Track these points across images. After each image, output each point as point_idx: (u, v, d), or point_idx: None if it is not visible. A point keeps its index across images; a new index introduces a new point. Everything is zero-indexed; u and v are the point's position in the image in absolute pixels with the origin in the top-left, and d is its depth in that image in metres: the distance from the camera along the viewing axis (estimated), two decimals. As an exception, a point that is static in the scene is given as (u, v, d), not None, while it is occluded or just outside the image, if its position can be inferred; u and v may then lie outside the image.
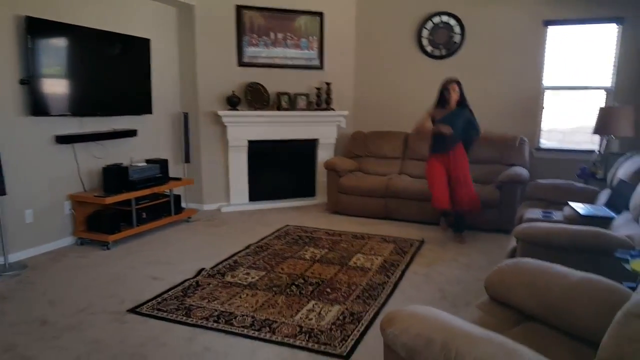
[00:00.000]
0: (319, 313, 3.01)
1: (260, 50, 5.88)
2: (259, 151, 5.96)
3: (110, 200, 4.23)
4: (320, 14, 6.07)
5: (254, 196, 6.01)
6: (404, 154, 5.98)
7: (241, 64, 5.79)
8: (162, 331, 2.81)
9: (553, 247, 2.55)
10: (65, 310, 3.07)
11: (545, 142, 5.75)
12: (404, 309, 1.60)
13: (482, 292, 3.18)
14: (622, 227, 2.80)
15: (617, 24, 5.20)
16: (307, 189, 6.28)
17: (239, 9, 5.69)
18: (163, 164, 4.95)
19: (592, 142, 5.46)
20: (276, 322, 2.89)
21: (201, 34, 5.54)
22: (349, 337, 2.71)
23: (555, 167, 5.44)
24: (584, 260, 2.14)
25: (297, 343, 2.64)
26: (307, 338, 2.69)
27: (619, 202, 3.23)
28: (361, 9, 6.29)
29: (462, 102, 4.45)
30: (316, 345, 2.61)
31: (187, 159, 5.61)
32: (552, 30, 5.51)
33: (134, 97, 4.91)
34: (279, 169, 6.19)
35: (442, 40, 6.02)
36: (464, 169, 4.50)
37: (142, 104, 4.98)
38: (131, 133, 4.85)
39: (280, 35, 5.95)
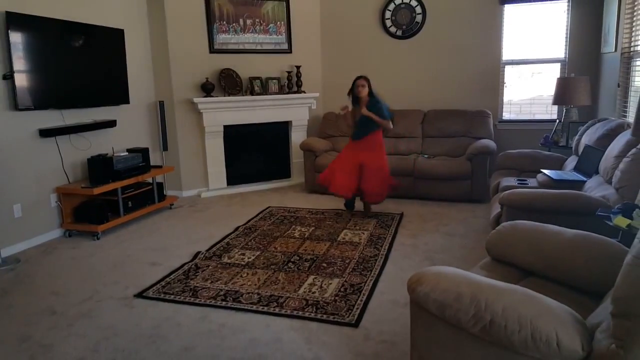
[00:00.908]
0: (321, 286, 3.21)
1: (231, 36, 5.92)
2: (234, 136, 6.04)
3: (98, 190, 4.25)
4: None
5: (231, 180, 6.11)
6: (376, 132, 6.19)
7: (213, 50, 5.82)
8: (174, 312, 2.93)
9: (536, 211, 2.82)
10: (72, 300, 3.14)
11: (507, 114, 6.11)
12: (428, 269, 1.79)
13: (469, 258, 3.52)
14: (595, 189, 3.11)
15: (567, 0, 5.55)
16: (282, 171, 6.43)
17: (208, -4, 5.70)
18: (145, 152, 4.96)
19: (549, 112, 5.86)
20: (282, 297, 3.07)
21: (172, 23, 5.53)
22: (353, 306, 2.92)
23: (517, 138, 5.80)
24: (565, 221, 2.31)
25: (307, 315, 2.83)
26: (314, 310, 2.88)
27: (587, 167, 3.55)
28: (325, -8, 6.41)
29: (371, 93, 4.64)
30: (325, 316, 2.81)
31: (164, 147, 5.63)
32: (508, 8, 5.82)
33: (111, 88, 4.89)
34: (255, 152, 6.29)
35: (404, 21, 6.23)
36: (380, 158, 4.73)
37: (119, 94, 4.97)
38: (111, 123, 4.84)
39: (249, 22, 6.00)
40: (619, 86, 4.50)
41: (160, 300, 3.11)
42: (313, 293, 3.11)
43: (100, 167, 4.42)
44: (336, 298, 3.03)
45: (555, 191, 2.97)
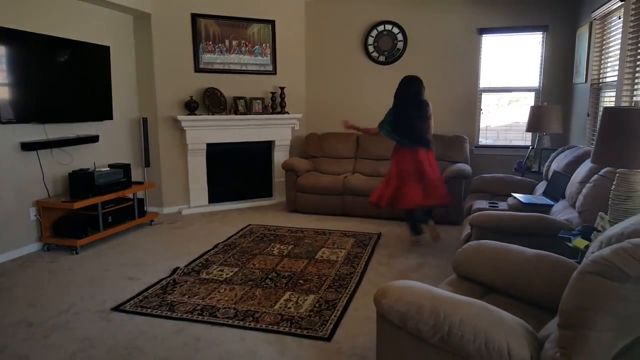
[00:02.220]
0: (296, 302, 3.28)
1: (216, 56, 6.05)
2: (217, 154, 6.13)
3: (78, 205, 4.28)
4: (272, 22, 6.31)
5: (213, 198, 6.16)
6: (356, 153, 6.35)
7: (198, 69, 5.94)
8: (150, 326, 2.97)
9: (504, 232, 2.95)
10: (48, 312, 3.16)
11: (483, 139, 6.31)
12: (393, 283, 1.90)
13: (441, 276, 3.62)
14: (560, 212, 3.28)
15: (542, 31, 5.83)
16: (264, 190, 6.50)
17: (194, 17, 5.83)
18: (126, 168, 5.01)
19: (523, 139, 6.09)
20: (258, 312, 3.13)
21: (158, 41, 5.64)
22: (327, 321, 2.99)
23: (492, 163, 6.00)
24: (530, 242, 2.43)
25: (281, 329, 2.90)
26: (289, 324, 2.95)
27: (555, 192, 3.73)
28: (310, 17, 6.60)
29: None
30: (299, 330, 2.88)
31: (147, 163, 5.68)
32: (485, 38, 6.07)
33: (95, 104, 4.95)
34: (237, 170, 6.37)
35: (386, 47, 6.44)
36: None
37: (103, 110, 5.03)
38: (93, 139, 4.89)
39: (234, 42, 6.14)
40: (588, 115, 4.72)
41: (136, 313, 3.14)
42: (288, 308, 3.18)
43: (81, 182, 4.45)
44: (311, 313, 3.10)
45: (521, 214, 3.12)
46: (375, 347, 2.58)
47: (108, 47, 5.02)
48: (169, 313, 3.13)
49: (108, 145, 5.24)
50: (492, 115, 6.30)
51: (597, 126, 2.48)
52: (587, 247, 2.37)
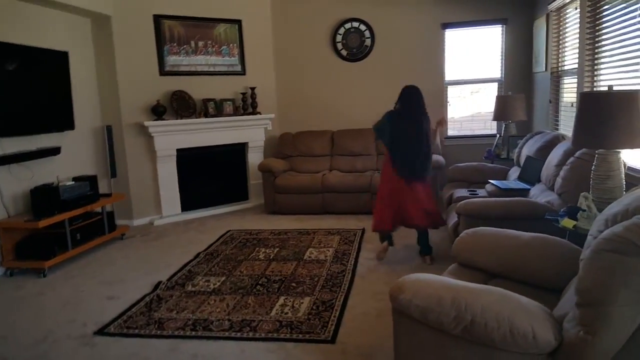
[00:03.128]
0: (293, 306, 3.13)
1: (182, 58, 5.81)
2: (188, 159, 5.89)
3: (43, 223, 3.96)
4: (238, 22, 6.13)
5: (186, 205, 5.92)
6: (332, 150, 6.24)
7: (163, 72, 5.68)
8: (140, 347, 2.76)
9: (491, 218, 3.01)
10: (23, 343, 2.89)
11: (451, 131, 6.35)
12: (407, 277, 1.85)
13: (429, 267, 3.57)
14: (539, 195, 3.43)
15: (502, 24, 5.96)
16: (240, 193, 6.31)
17: (157, 18, 5.59)
18: (92, 180, 4.72)
19: (487, 128, 6.25)
20: (254, 320, 2.97)
21: (120, 45, 5.36)
22: (328, 323, 2.87)
23: (462, 153, 6.07)
24: (516, 225, 2.48)
25: (282, 336, 2.76)
26: (289, 330, 2.81)
27: (529, 176, 3.88)
28: (276, 16, 6.46)
29: None
30: (300, 335, 2.75)
31: (113, 174, 5.37)
32: (449, 32, 6.12)
33: (55, 113, 4.63)
34: (210, 175, 6.14)
35: (354, 44, 6.38)
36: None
37: (63, 120, 4.71)
38: (55, 151, 4.57)
39: (201, 43, 5.92)
40: (550, 102, 4.86)
41: (123, 335, 2.92)
42: (286, 314, 3.03)
43: (45, 198, 4.13)
44: (309, 316, 2.98)
45: (506, 199, 3.23)
46: (382, 344, 2.57)
47: (66, 53, 4.71)
48: (158, 331, 2.93)
49: (71, 157, 4.92)
50: (455, 107, 6.37)
51: (575, 111, 2.58)
52: (575, 226, 2.42)
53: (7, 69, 4.08)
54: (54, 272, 4.11)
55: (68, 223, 4.26)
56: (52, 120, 4.60)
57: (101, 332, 2.98)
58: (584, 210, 2.47)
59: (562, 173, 3.20)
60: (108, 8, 5.18)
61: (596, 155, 2.60)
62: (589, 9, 3.74)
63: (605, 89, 3.42)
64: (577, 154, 3.11)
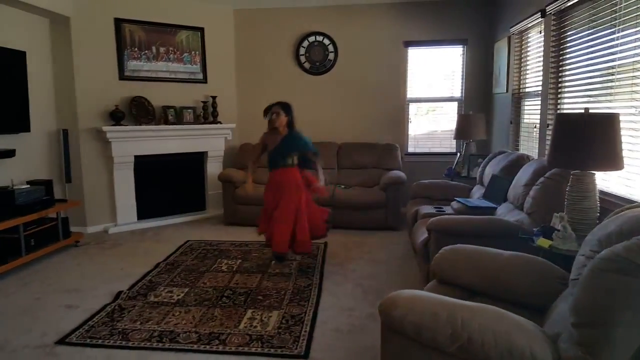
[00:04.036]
0: (261, 320, 3.15)
1: (142, 64, 5.72)
2: (146, 167, 5.77)
3: (-3, 228, 3.80)
4: (201, 29, 6.11)
5: (142, 214, 5.79)
6: (292, 163, 6.28)
7: (123, 77, 5.57)
8: (106, 358, 2.71)
9: (462, 235, 3.02)
10: (-22, 354, 2.75)
11: (412, 148, 6.56)
12: (399, 293, 1.86)
13: (396, 282, 3.70)
14: (506, 214, 3.47)
15: (462, 45, 6.20)
16: (197, 203, 6.24)
17: (118, 22, 5.48)
18: (48, 185, 4.55)
19: (443, 146, 6.44)
20: (223, 333, 2.97)
21: (78, 47, 5.21)
22: (299, 337, 2.91)
23: (422, 169, 6.23)
24: (488, 244, 2.50)
25: (253, 350, 2.77)
26: (260, 344, 2.83)
27: (495, 195, 3.94)
28: (239, 26, 6.48)
29: (290, 126, 4.13)
30: (272, 350, 2.77)
31: (68, 179, 5.19)
32: (411, 50, 6.33)
33: (10, 115, 4.43)
34: (168, 184, 6.04)
35: (318, 58, 6.49)
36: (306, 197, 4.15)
37: (19, 122, 4.52)
38: (9, 153, 4.36)
39: (162, 49, 5.85)
40: (511, 123, 5.08)
41: (86, 345, 2.84)
42: (255, 327, 3.05)
43: (-1, 202, 3.96)
44: (279, 330, 3.00)
45: (478, 217, 3.27)
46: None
47: (24, 53, 4.54)
48: (123, 342, 2.87)
49: (25, 160, 4.72)
50: (413, 124, 6.54)
51: (552, 131, 2.66)
52: (550, 246, 2.55)
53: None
54: (6, 279, 3.93)
55: (22, 228, 4.09)
56: (7, 121, 4.41)
57: (62, 341, 2.88)
58: (559, 230, 2.54)
59: (532, 192, 3.22)
60: (68, 9, 5.05)
61: (571, 176, 2.65)
62: (553, 33, 3.91)
63: (569, 111, 3.66)
64: (548, 174, 3.14)
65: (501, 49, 5.52)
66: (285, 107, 4.10)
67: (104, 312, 3.30)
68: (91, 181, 5.44)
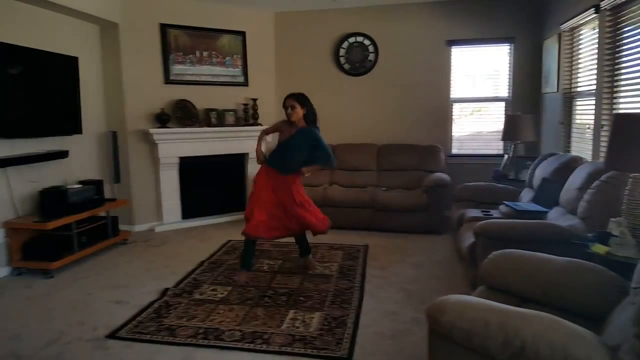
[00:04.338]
0: (303, 320, 3.16)
1: (187, 67, 5.86)
2: (189, 167, 5.90)
3: (52, 224, 3.97)
4: (242, 33, 6.20)
5: (187, 213, 5.92)
6: (332, 165, 6.29)
7: (168, 81, 5.72)
8: (153, 353, 2.77)
9: (512, 240, 2.92)
10: (36, 343, 2.88)
11: (455, 149, 6.43)
12: (447, 298, 1.82)
13: (441, 288, 3.63)
14: (559, 219, 3.31)
15: (509, 43, 6.02)
16: (239, 203, 6.31)
17: (164, 27, 5.64)
18: (98, 185, 4.73)
19: (488, 148, 6.26)
20: (265, 333, 2.99)
21: (126, 52, 5.39)
22: (342, 340, 2.89)
23: (466, 172, 6.09)
24: (539, 249, 2.41)
25: (296, 350, 2.78)
26: (303, 345, 2.83)
27: (545, 199, 3.78)
28: (280, 29, 6.53)
29: (308, 120, 3.90)
30: (315, 351, 2.76)
31: (117, 179, 5.37)
32: (455, 49, 6.21)
33: (63, 117, 4.64)
34: (211, 184, 6.16)
35: (358, 59, 6.46)
36: (302, 194, 4.01)
37: (72, 124, 4.72)
38: (63, 154, 4.56)
39: (205, 54, 5.98)
40: (562, 124, 4.90)
41: (135, 340, 2.92)
42: (297, 328, 3.06)
43: (53, 200, 4.15)
44: (322, 332, 2.99)
45: (529, 221, 3.15)
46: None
47: (76, 58, 4.73)
48: (170, 338, 2.94)
49: (77, 160, 4.92)
50: (458, 125, 6.41)
51: (609, 132, 2.55)
52: (607, 252, 2.43)
53: (21, 72, 4.09)
54: (60, 274, 4.11)
55: (75, 226, 4.27)
56: (61, 124, 4.62)
57: (113, 336, 2.98)
58: (617, 236, 2.42)
59: (586, 197, 3.09)
60: (116, 16, 5.23)
61: (630, 179, 2.49)
62: (608, 29, 3.73)
63: (626, 111, 3.45)
64: (604, 177, 2.99)
65: (551, 47, 5.34)
66: (300, 98, 3.83)
67: (152, 308, 3.39)
68: (138, 181, 5.61)
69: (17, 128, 4.07)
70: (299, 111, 3.80)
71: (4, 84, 3.94)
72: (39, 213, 4.19)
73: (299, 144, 3.84)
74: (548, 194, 3.78)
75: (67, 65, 4.66)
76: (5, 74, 3.94)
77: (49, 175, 4.50)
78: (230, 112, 6.09)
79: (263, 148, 4.09)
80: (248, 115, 6.20)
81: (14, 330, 3.06)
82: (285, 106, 3.82)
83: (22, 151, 4.17)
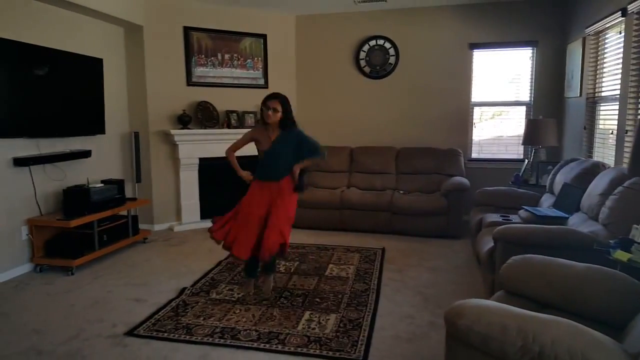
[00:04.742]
0: (319, 322, 3.16)
1: (208, 70, 5.92)
2: (209, 168, 5.96)
3: (75, 223, 4.06)
4: (263, 36, 6.25)
5: (205, 214, 5.97)
6: (350, 167, 6.30)
7: (190, 83, 5.80)
8: (171, 351, 2.80)
9: (531, 246, 2.88)
10: (56, 338, 2.94)
11: (475, 153, 6.37)
12: (466, 302, 1.80)
13: (458, 292, 3.59)
14: (580, 225, 3.25)
15: (532, 47, 5.95)
16: (257, 205, 6.35)
17: (187, 30, 5.72)
18: (120, 184, 4.81)
19: (508, 152, 6.19)
20: (281, 333, 3.00)
21: (150, 54, 5.49)
22: (357, 342, 2.89)
23: (486, 176, 6.03)
24: (559, 255, 2.37)
25: (312, 351, 2.78)
26: (319, 346, 2.83)
27: (566, 204, 3.71)
28: (301, 32, 6.56)
29: (286, 123, 3.59)
30: (330, 353, 2.76)
31: (138, 179, 5.46)
32: (477, 53, 6.15)
33: (88, 117, 4.74)
34: (229, 186, 6.16)
35: (378, 62, 6.45)
36: (293, 211, 3.70)
37: (95, 124, 4.82)
38: (86, 154, 4.67)
39: (227, 56, 6.04)
40: (585, 129, 4.81)
41: (153, 338, 2.96)
42: (313, 329, 3.06)
43: (76, 199, 4.23)
44: (337, 334, 2.99)
45: (549, 227, 3.09)
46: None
47: (101, 60, 4.83)
48: (187, 337, 2.97)
49: (100, 160, 5.02)
50: (477, 129, 6.34)
51: (634, 138, 2.50)
52: (629, 259, 2.38)
53: (47, 73, 4.19)
54: (81, 271, 4.18)
55: (96, 224, 4.35)
56: (85, 124, 4.72)
57: (131, 333, 3.03)
58: (639, 243, 2.39)
59: (608, 203, 3.03)
60: (141, 18, 5.32)
61: None
62: (636, 33, 3.66)
63: None
64: (627, 183, 2.95)
65: (574, 51, 5.26)
66: (284, 102, 3.56)
67: (169, 306, 3.44)
68: (159, 181, 5.69)
69: (42, 128, 4.18)
70: (279, 115, 3.53)
71: (30, 85, 4.05)
72: (62, 211, 4.28)
73: (283, 149, 3.61)
74: (569, 199, 3.71)
75: (92, 67, 4.76)
76: (32, 75, 4.05)
77: (72, 174, 4.60)
78: (250, 114, 6.14)
79: None
80: (268, 118, 6.23)
81: (34, 326, 3.13)
82: (266, 106, 3.52)
83: (46, 150, 4.27)
